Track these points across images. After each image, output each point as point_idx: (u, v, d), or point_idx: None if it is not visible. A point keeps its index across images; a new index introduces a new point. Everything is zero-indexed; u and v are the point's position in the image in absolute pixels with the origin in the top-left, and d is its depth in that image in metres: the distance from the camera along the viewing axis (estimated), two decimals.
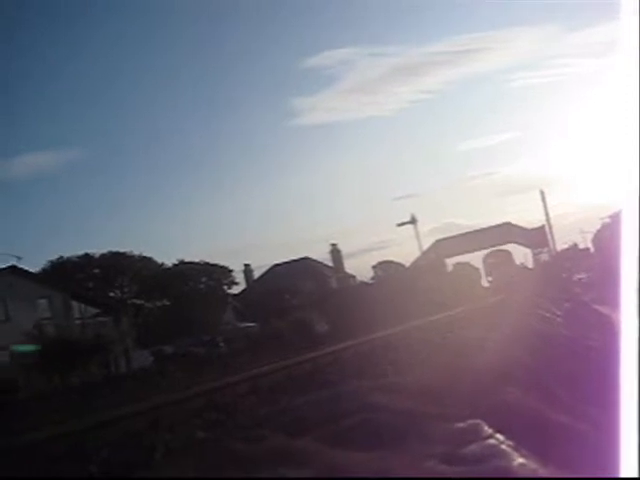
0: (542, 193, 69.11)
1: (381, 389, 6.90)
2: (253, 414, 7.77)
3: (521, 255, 74.75)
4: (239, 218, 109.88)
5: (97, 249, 68.55)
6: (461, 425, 5.61)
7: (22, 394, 25.66)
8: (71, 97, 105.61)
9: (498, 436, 5.51)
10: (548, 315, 15.27)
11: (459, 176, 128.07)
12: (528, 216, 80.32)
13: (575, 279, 57.19)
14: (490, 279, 59.87)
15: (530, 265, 71.94)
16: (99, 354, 33.70)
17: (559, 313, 17.12)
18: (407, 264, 62.98)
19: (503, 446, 5.39)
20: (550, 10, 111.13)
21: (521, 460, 5.21)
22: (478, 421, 5.59)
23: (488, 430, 5.54)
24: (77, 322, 43.23)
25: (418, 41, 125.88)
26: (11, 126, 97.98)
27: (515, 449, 5.38)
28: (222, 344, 42.53)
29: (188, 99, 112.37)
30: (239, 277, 76.36)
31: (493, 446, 5.38)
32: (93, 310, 47.24)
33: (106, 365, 34.50)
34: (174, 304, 64.09)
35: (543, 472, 5.12)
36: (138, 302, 65.19)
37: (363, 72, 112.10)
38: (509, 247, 72.53)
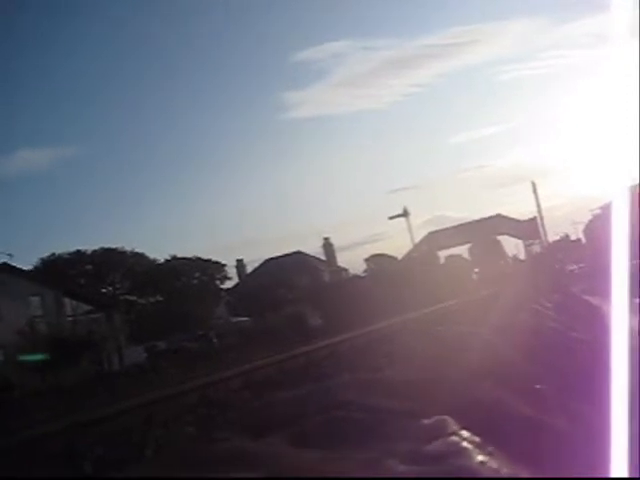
0: (533, 185, 69.23)
1: (356, 385, 6.88)
2: (230, 411, 7.76)
3: (513, 247, 74.93)
4: (232, 213, 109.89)
5: (89, 246, 68.45)
6: (428, 422, 5.56)
7: (17, 392, 25.60)
8: (66, 95, 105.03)
9: (463, 433, 5.44)
10: (537, 307, 15.33)
11: (451, 169, 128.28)
12: (520, 208, 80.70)
13: (567, 270, 57.39)
14: (477, 270, 59.13)
15: (522, 257, 72.16)
16: (91, 351, 33.63)
17: (549, 305, 17.20)
18: (400, 257, 63.05)
19: (465, 443, 5.31)
20: (540, 2, 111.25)
21: (483, 458, 5.12)
22: (445, 417, 5.54)
23: (454, 427, 5.48)
24: (69, 319, 43.11)
25: (409, 34, 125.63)
26: (6, 122, 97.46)
27: (480, 446, 5.31)
28: (215, 339, 42.52)
29: (180, 95, 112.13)
30: (232, 272, 76.44)
31: (455, 443, 5.30)
32: (85, 307, 47.10)
33: (99, 362, 34.44)
34: (167, 300, 64.06)
35: (506, 471, 5.06)
36: (131, 298, 65.12)
37: (354, 66, 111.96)
38: (501, 239, 72.72)
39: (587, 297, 25.81)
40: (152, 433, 7.30)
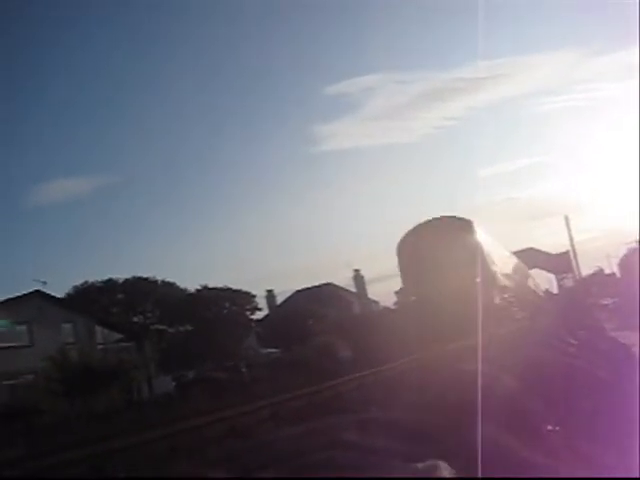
0: (566, 218, 68.62)
1: (362, 423, 6.82)
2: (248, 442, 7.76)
3: (545, 280, 73.97)
4: (262, 244, 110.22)
5: (121, 274, 69.16)
6: (420, 465, 5.45)
7: (46, 418, 25.80)
8: (103, 125, 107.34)
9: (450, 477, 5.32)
10: (562, 344, 15.01)
11: (482, 201, 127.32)
12: (551, 241, 79.88)
13: (600, 305, 56.35)
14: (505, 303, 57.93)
15: (554, 291, 71.17)
16: (121, 379, 33.80)
17: (574, 342, 16.83)
18: None
19: None
20: (572, 35, 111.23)
21: None
22: (437, 462, 5.43)
23: (445, 472, 5.37)
24: (100, 347, 43.45)
25: (440, 67, 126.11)
26: (45, 152, 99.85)
27: None
28: (244, 369, 42.47)
29: (213, 127, 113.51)
30: (262, 303, 76.46)
31: None
32: (116, 335, 47.48)
33: (128, 390, 34.58)
34: (197, 329, 64.19)
35: None
36: (161, 327, 65.39)
37: (386, 99, 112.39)
38: (533, 272, 71.83)
39: (620, 333, 25.32)
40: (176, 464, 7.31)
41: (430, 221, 29.67)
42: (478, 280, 21.53)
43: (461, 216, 29.80)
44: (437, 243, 27.33)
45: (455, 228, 28.10)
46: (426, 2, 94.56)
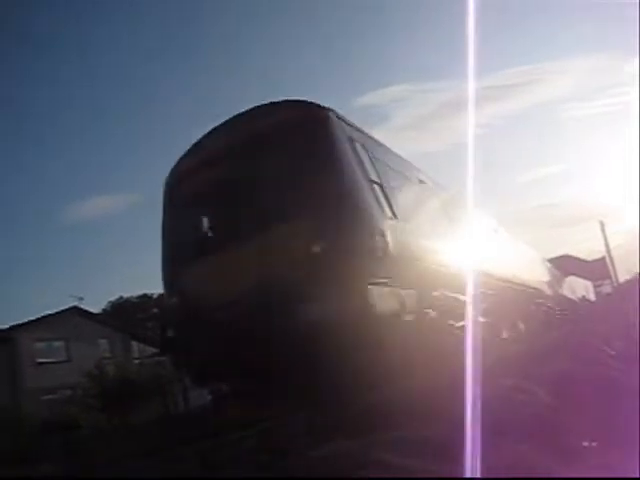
0: (602, 224, 67.37)
1: (396, 443, 6.74)
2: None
3: (582, 288, 72.72)
4: None
5: (155, 289, 69.87)
6: None
7: (83, 432, 26.12)
8: (135, 144, 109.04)
9: None
10: (600, 354, 14.67)
11: (517, 208, 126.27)
12: (587, 247, 78.66)
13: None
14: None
15: (592, 298, 69.93)
16: (157, 393, 34.07)
17: (612, 352, 16.43)
18: None
19: None
20: (600, 39, 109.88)
21: None
22: None
23: None
24: (136, 362, 43.87)
25: (473, 74, 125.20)
26: (82, 170, 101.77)
27: None
28: None
29: None
30: None
31: None
32: (152, 349, 47.88)
33: (164, 404, 34.81)
34: None
35: None
36: None
37: (415, 109, 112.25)
38: (570, 280, 70.77)
39: None
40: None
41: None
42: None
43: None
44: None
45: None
46: (451, 11, 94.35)
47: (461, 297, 12.62)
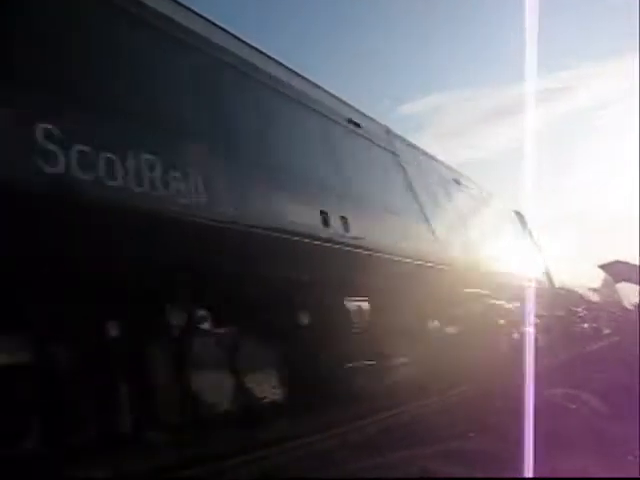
0: None
1: (446, 452, 6.35)
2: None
3: (635, 294, 70.70)
4: None
5: None
6: None
7: None
8: None
9: None
10: None
11: (562, 213, 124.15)
12: (635, 252, 76.07)
13: None
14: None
15: None
16: None
17: None
18: None
19: None
20: None
21: None
22: None
23: None
24: None
25: (512, 81, 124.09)
26: None
27: None
28: None
29: None
30: None
31: None
32: None
33: None
34: None
35: None
36: None
37: (456, 116, 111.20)
38: (621, 286, 68.96)
39: None
40: None
41: None
42: None
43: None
44: None
45: None
46: (490, 18, 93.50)
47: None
